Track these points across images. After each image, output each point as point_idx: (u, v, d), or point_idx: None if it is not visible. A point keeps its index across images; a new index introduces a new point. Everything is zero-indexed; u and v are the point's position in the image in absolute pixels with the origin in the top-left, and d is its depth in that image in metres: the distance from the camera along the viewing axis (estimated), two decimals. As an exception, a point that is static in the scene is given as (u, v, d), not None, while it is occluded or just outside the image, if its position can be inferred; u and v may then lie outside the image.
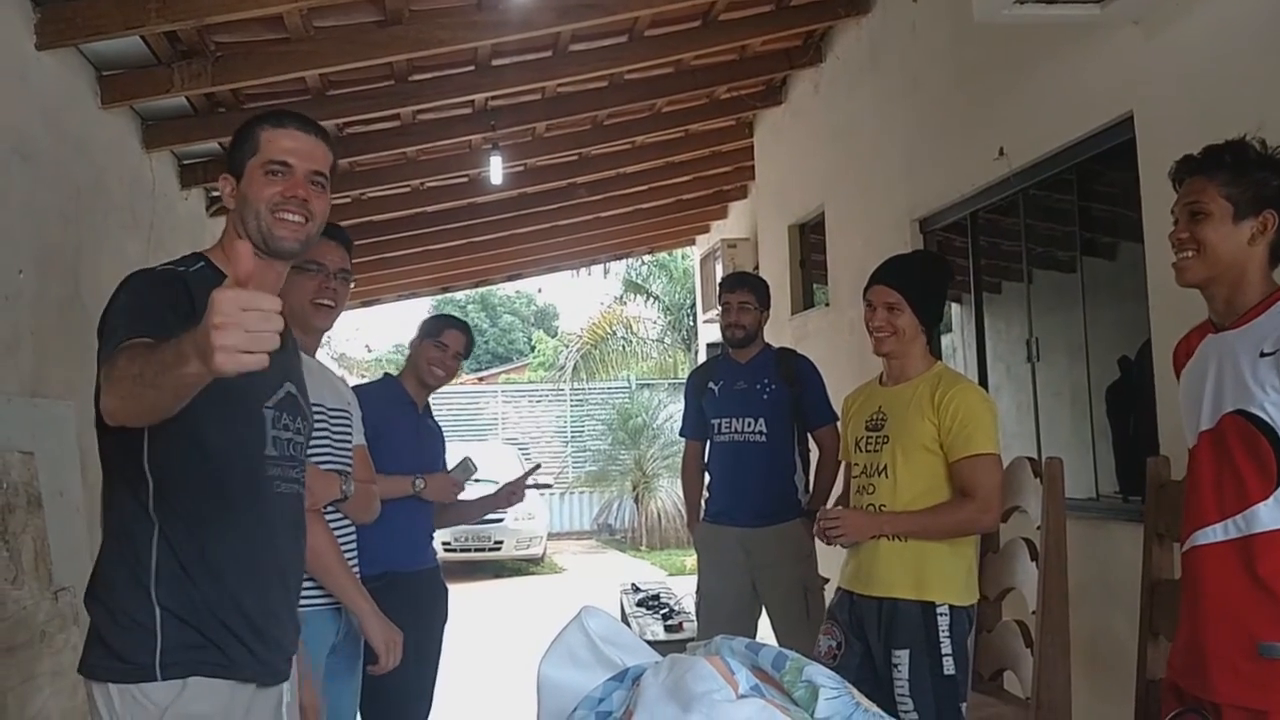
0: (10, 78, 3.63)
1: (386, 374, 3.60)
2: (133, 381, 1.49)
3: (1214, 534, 2.00)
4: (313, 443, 2.29)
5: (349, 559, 2.54)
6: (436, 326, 3.45)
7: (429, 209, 7.69)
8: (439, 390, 3.55)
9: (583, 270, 13.48)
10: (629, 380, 16.72)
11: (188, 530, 1.75)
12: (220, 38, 4.44)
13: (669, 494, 13.59)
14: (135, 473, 1.75)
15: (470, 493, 3.66)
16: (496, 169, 6.54)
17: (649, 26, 5.41)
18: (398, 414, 3.30)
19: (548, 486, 14.34)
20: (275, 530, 1.86)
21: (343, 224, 2.75)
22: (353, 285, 2.68)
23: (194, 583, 1.74)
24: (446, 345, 3.40)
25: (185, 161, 5.60)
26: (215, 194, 6.06)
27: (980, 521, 2.78)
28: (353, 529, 2.64)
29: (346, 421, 2.63)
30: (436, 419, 3.59)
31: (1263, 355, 1.93)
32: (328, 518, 2.49)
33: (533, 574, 12.35)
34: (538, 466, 4.34)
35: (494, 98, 5.94)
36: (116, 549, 1.78)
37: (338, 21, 4.50)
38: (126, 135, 4.85)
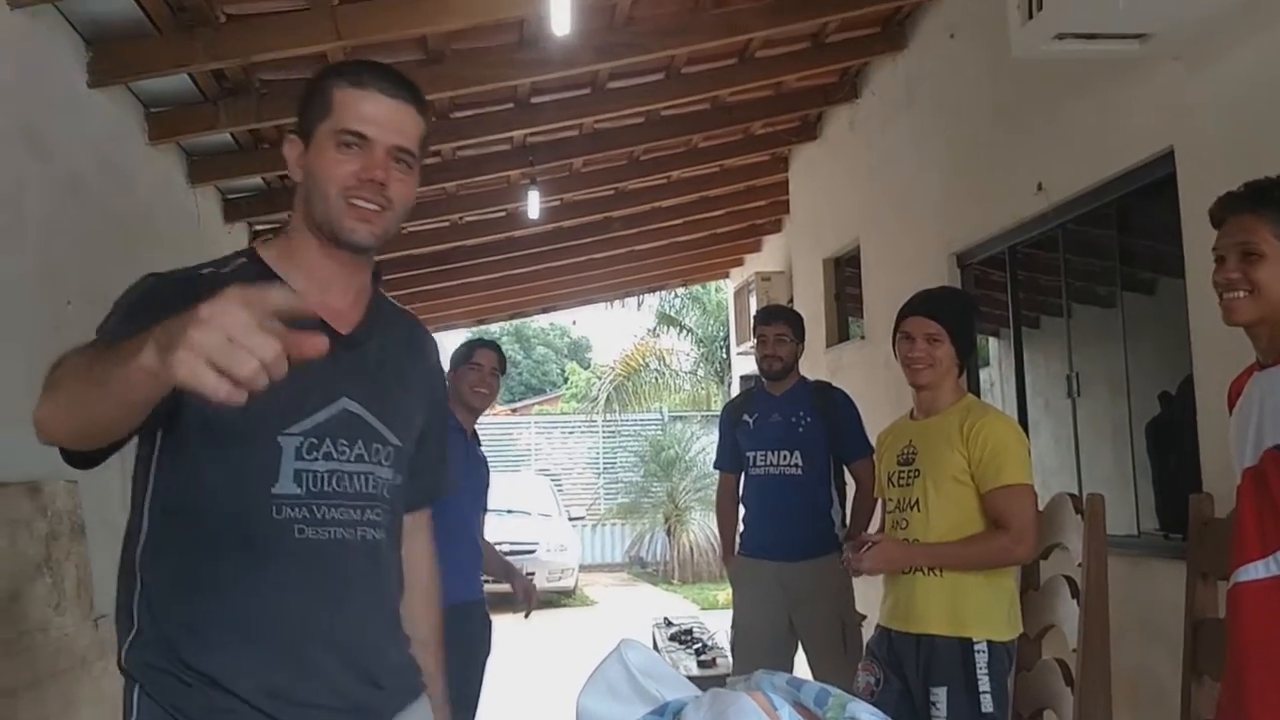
0: (64, 115, 3.73)
1: None
2: (76, 377, 1.20)
3: (1256, 571, 1.98)
4: None
5: None
6: (466, 351, 3.52)
7: (467, 243, 7.78)
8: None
9: (616, 302, 13.56)
10: (661, 412, 16.71)
11: (172, 590, 1.45)
12: (266, 75, 4.54)
13: (701, 527, 13.53)
14: (136, 518, 1.47)
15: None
16: (534, 204, 6.60)
17: (686, 64, 5.47)
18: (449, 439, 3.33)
19: (579, 519, 14.32)
20: (299, 588, 1.47)
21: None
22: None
23: (176, 656, 1.43)
24: (481, 364, 3.46)
25: (229, 196, 5.70)
26: (258, 229, 6.16)
27: (1014, 553, 2.75)
28: None
29: None
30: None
31: None
32: None
33: (564, 606, 12.30)
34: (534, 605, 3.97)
35: (533, 134, 6.01)
36: (115, 610, 1.51)
37: (381, 59, 4.58)
38: (173, 170, 4.96)
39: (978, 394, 4.83)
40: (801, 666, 4.02)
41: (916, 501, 2.80)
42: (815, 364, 6.80)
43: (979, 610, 2.72)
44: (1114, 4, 2.98)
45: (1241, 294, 2.01)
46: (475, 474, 3.47)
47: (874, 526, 3.56)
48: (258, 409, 1.38)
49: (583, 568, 13.67)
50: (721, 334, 15.57)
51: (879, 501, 3.23)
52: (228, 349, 0.99)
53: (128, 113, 4.38)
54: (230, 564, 1.45)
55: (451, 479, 1.88)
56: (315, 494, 1.48)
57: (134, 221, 4.38)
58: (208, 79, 4.38)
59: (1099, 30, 3.29)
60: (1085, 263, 4.45)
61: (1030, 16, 3.33)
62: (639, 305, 16.24)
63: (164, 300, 1.31)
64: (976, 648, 2.68)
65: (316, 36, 4.03)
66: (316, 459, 1.48)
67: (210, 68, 4.15)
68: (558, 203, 7.32)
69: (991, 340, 5.19)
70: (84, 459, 1.37)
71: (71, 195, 3.74)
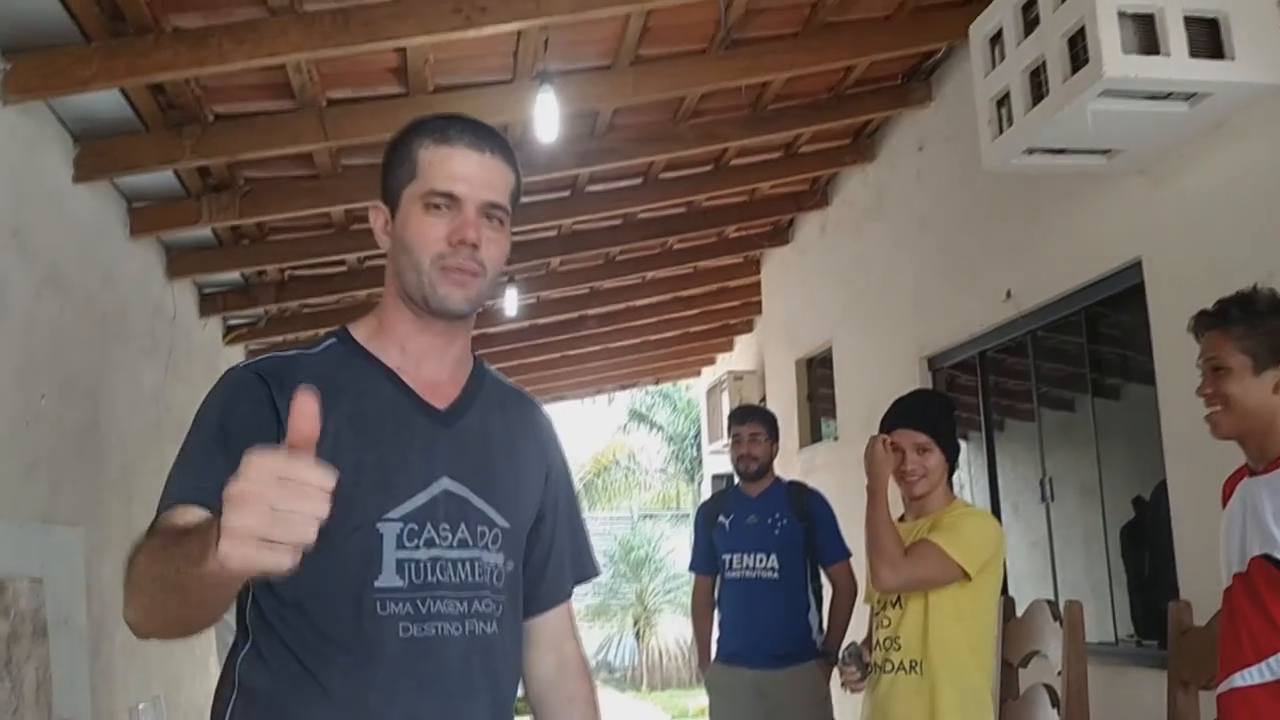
0: (48, 209, 3.74)
1: None
2: (154, 585, 1.14)
3: (1251, 676, 2.00)
4: None
5: None
6: None
7: (443, 338, 7.77)
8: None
9: (587, 399, 13.57)
10: (631, 510, 16.59)
11: (270, 700, 1.34)
12: (250, 173, 4.59)
13: (671, 630, 13.32)
14: (241, 628, 1.38)
15: None
16: (511, 301, 6.65)
17: (664, 170, 5.59)
18: None
19: None
20: (406, 694, 1.33)
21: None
22: None
23: None
24: None
25: (205, 290, 5.71)
26: (232, 323, 6.15)
27: (891, 569, 2.64)
28: None
29: None
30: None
31: None
32: None
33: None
34: None
35: (513, 234, 6.06)
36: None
37: (365, 160, 4.65)
38: (151, 265, 4.96)
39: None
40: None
41: (898, 598, 2.79)
42: (788, 465, 6.80)
43: (959, 713, 2.69)
44: (1082, 122, 3.10)
45: (1218, 409, 2.07)
46: None
47: (861, 632, 3.52)
48: (354, 495, 1.27)
49: (549, 670, 13.35)
50: (691, 431, 15.60)
51: (857, 603, 3.20)
52: (271, 520, 0.92)
53: (110, 207, 4.39)
54: (331, 669, 1.32)
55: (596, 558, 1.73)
56: (418, 586, 1.35)
57: (110, 315, 4.36)
58: (192, 175, 4.42)
59: (1067, 146, 3.42)
60: (1055, 368, 4.53)
61: (1000, 131, 3.46)
62: (609, 401, 16.27)
63: (244, 412, 1.32)
64: (958, 752, 2.64)
65: (304, 136, 4.09)
66: (418, 546, 1.35)
67: (196, 165, 4.18)
68: (534, 300, 7.38)
69: (961, 443, 5.22)
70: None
71: (51, 289, 3.73)
